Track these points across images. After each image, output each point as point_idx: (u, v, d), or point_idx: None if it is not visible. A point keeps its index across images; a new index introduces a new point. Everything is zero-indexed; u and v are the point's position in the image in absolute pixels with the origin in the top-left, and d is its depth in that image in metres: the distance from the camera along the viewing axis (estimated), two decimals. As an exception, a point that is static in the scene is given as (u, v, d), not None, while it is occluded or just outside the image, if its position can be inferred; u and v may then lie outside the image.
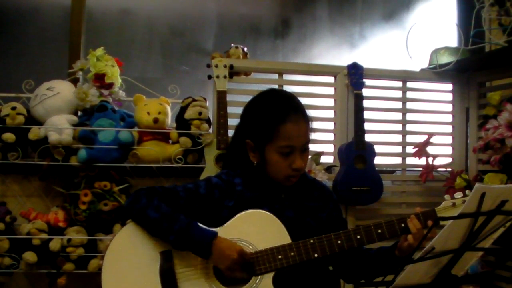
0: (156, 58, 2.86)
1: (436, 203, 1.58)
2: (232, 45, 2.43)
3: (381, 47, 3.12)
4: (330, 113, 2.50)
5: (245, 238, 1.50)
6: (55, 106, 2.14)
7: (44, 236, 2.05)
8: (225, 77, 2.26)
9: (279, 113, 1.51)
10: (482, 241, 1.29)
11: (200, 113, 2.21)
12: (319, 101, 2.51)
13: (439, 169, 2.48)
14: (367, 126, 2.40)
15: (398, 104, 2.59)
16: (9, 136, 2.07)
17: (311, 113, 1.60)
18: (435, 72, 2.55)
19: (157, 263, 1.47)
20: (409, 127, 2.60)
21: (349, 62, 2.44)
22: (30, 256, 2.02)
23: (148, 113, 2.18)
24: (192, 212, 1.52)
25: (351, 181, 2.32)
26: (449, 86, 2.65)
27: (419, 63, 2.58)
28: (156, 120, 2.17)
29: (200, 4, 2.93)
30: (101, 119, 2.14)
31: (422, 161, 2.46)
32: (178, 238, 1.43)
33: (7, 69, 2.63)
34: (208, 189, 1.57)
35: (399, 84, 2.59)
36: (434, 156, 2.45)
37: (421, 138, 2.46)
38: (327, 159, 2.46)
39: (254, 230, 1.50)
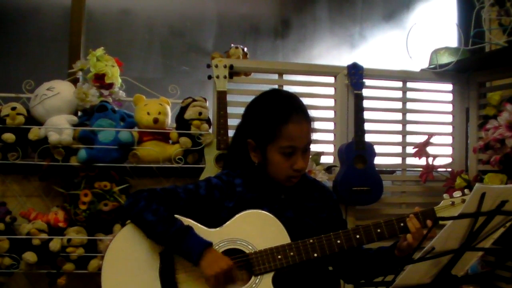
0: (156, 58, 2.86)
1: (436, 203, 1.57)
2: (232, 45, 2.43)
3: (381, 47, 3.12)
4: (330, 113, 2.50)
5: (245, 238, 1.50)
6: (55, 106, 2.14)
7: (44, 236, 2.05)
8: (225, 77, 2.26)
9: (281, 113, 1.51)
10: (482, 241, 1.29)
11: (200, 113, 2.21)
12: (319, 101, 2.51)
13: (439, 169, 2.48)
14: (367, 126, 2.40)
15: (398, 104, 2.59)
16: (9, 136, 2.07)
17: (311, 113, 1.60)
18: (435, 72, 2.55)
19: (156, 263, 1.47)
20: (409, 127, 2.60)
21: (349, 62, 2.44)
22: (30, 256, 2.02)
23: (148, 113, 2.18)
24: (192, 212, 1.53)
25: (351, 181, 2.32)
26: (449, 86, 2.65)
27: (419, 63, 2.58)
28: (156, 120, 2.17)
29: (200, 4, 2.93)
30: (101, 119, 2.14)
31: (422, 161, 2.46)
32: (172, 239, 1.43)
33: (7, 69, 2.63)
34: (208, 190, 1.57)
35: (399, 84, 2.59)
36: (434, 156, 2.45)
37: (421, 138, 2.46)
38: (327, 159, 2.46)
39: (254, 230, 1.50)
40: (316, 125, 1.62)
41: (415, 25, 2.54)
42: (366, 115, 2.42)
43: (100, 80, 2.19)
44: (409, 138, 2.58)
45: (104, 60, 2.20)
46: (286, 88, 2.44)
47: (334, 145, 2.47)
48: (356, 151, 2.34)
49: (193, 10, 2.91)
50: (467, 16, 2.79)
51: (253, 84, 2.44)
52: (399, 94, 2.60)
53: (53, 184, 2.23)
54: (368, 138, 2.39)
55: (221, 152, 2.18)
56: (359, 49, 3.13)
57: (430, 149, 2.45)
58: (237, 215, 1.51)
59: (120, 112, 2.22)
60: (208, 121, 2.25)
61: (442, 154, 2.59)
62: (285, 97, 1.59)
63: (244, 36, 2.97)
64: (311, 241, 1.49)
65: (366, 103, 2.43)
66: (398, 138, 2.58)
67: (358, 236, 1.51)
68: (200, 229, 1.49)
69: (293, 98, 1.59)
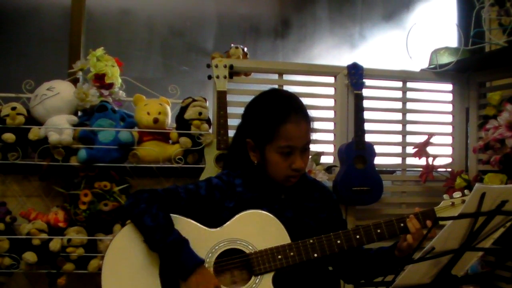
0: (156, 58, 2.86)
1: (436, 203, 1.58)
2: (232, 45, 2.42)
3: (381, 47, 3.12)
4: (330, 113, 2.50)
5: (245, 238, 1.50)
6: (55, 106, 2.14)
7: (44, 236, 2.05)
8: (225, 77, 2.26)
9: (280, 113, 1.51)
10: (482, 241, 1.29)
11: (200, 113, 2.21)
12: (319, 101, 2.51)
13: (439, 169, 2.48)
14: (367, 126, 2.40)
15: (398, 104, 2.59)
16: (9, 136, 2.07)
17: (311, 113, 1.60)
18: (435, 72, 2.55)
19: (157, 263, 1.47)
20: (409, 127, 2.60)
21: (349, 62, 2.44)
22: (30, 256, 2.02)
23: (148, 113, 2.18)
24: (193, 212, 1.53)
25: (351, 181, 2.32)
26: (449, 86, 2.65)
27: (419, 63, 2.58)
28: (156, 120, 2.17)
29: (200, 4, 2.93)
30: (101, 119, 2.14)
31: (422, 161, 2.46)
32: (167, 249, 1.42)
33: (7, 69, 2.63)
34: (208, 190, 1.57)
35: (399, 84, 2.59)
36: (434, 156, 2.45)
37: (421, 138, 2.46)
38: (327, 159, 2.46)
39: (254, 230, 1.50)
40: (316, 125, 1.62)
41: (415, 25, 2.54)
42: (366, 115, 2.42)
43: (100, 80, 2.19)
44: (409, 138, 2.58)
45: (104, 60, 2.20)
46: (286, 88, 2.43)
47: (334, 145, 2.47)
48: (356, 151, 2.34)
49: (193, 10, 2.91)
50: (467, 16, 2.79)
51: (253, 84, 2.44)
52: (399, 94, 2.59)
53: (53, 184, 2.23)
54: (368, 138, 2.39)
55: (221, 152, 2.18)
56: (359, 49, 3.13)
57: (430, 149, 2.45)
58: (237, 215, 1.51)
59: (120, 112, 2.22)
60: (208, 121, 2.25)
61: (442, 154, 2.59)
62: (284, 97, 1.59)
63: (244, 36, 2.97)
64: (311, 241, 1.49)
65: (366, 103, 2.43)
66: (398, 138, 2.58)
67: (358, 237, 1.51)
68: (201, 230, 1.49)
69: (292, 98, 1.59)
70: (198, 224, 1.50)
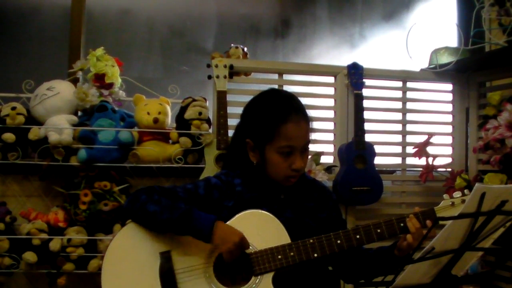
0: (156, 58, 2.86)
1: (436, 203, 1.57)
2: (232, 45, 2.43)
3: (381, 47, 3.12)
4: (330, 113, 2.50)
5: (245, 238, 1.50)
6: (55, 106, 2.14)
7: (44, 236, 2.05)
8: (225, 77, 2.26)
9: (280, 113, 1.51)
10: (482, 241, 1.29)
11: (200, 113, 2.21)
12: (319, 101, 2.51)
13: (439, 169, 2.48)
14: (367, 126, 2.40)
15: (398, 104, 2.59)
16: (9, 136, 2.07)
17: (311, 113, 1.60)
18: (435, 72, 2.55)
19: (157, 263, 1.47)
20: (409, 127, 2.60)
21: (349, 62, 2.44)
22: (30, 256, 2.02)
23: (148, 113, 2.18)
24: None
25: (351, 181, 2.32)
26: (449, 86, 2.65)
27: (419, 63, 2.58)
28: (156, 120, 2.17)
29: (200, 4, 2.93)
30: (101, 119, 2.14)
31: (422, 161, 2.46)
32: (179, 222, 1.42)
33: (7, 69, 2.63)
34: (207, 190, 1.57)
35: (399, 84, 2.59)
36: (434, 156, 2.45)
37: (421, 138, 2.46)
38: (327, 159, 2.46)
39: (254, 230, 1.50)
40: (316, 125, 1.62)
41: (415, 25, 2.54)
42: (366, 115, 2.42)
43: (100, 80, 2.19)
44: (409, 138, 2.58)
45: (104, 60, 2.20)
46: (286, 88, 2.43)
47: (334, 145, 2.47)
48: (356, 151, 2.34)
49: (193, 10, 2.91)
50: (467, 16, 2.79)
51: (253, 84, 2.44)
52: (399, 94, 2.59)
53: (53, 184, 2.23)
54: (368, 138, 2.39)
55: (221, 152, 2.18)
56: (359, 49, 3.13)
57: (430, 149, 2.45)
58: (237, 215, 1.51)
59: (120, 112, 2.22)
60: (208, 121, 2.25)
61: (442, 154, 2.60)
62: (284, 97, 1.59)
63: (244, 36, 2.97)
64: (311, 241, 1.49)
65: (366, 103, 2.43)
66: (398, 138, 2.58)
67: (358, 236, 1.51)
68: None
69: (292, 98, 1.59)
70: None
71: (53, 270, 2.08)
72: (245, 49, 2.45)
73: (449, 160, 2.63)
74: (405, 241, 1.48)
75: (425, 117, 2.64)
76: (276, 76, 2.46)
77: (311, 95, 2.49)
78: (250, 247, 1.48)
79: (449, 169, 2.56)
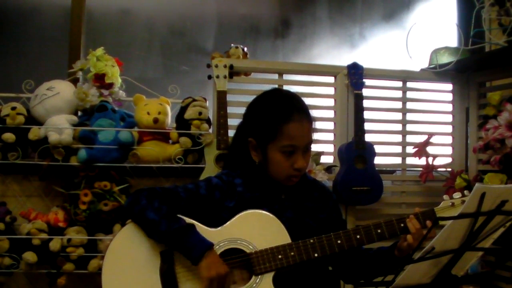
0: (156, 58, 2.86)
1: (436, 203, 1.58)
2: (232, 45, 2.43)
3: (381, 47, 3.12)
4: (330, 113, 2.50)
5: (245, 238, 1.50)
6: (55, 106, 2.14)
7: (44, 236, 2.05)
8: (225, 77, 2.26)
9: (283, 113, 1.51)
10: (482, 241, 1.29)
11: (200, 113, 2.21)
12: (319, 101, 2.51)
13: (439, 169, 2.48)
14: (367, 126, 2.40)
15: (398, 104, 2.59)
16: (9, 136, 2.07)
17: (312, 113, 1.60)
18: (435, 72, 2.55)
19: (157, 263, 1.47)
20: (409, 127, 2.60)
21: (349, 62, 2.44)
22: (30, 256, 2.02)
23: (148, 113, 2.18)
24: (192, 212, 1.52)
25: (351, 181, 2.32)
26: (449, 86, 2.65)
27: (419, 63, 2.58)
28: (156, 120, 2.17)
29: (200, 4, 2.93)
30: (101, 119, 2.14)
31: (422, 161, 2.46)
32: (174, 236, 1.42)
33: (7, 69, 2.63)
34: (208, 190, 1.56)
35: (399, 84, 2.59)
36: (434, 156, 2.45)
37: (421, 138, 2.46)
38: (327, 159, 2.46)
39: (254, 230, 1.50)
40: (316, 125, 1.62)
41: (415, 25, 2.54)
42: (366, 115, 2.42)
43: (100, 80, 2.19)
44: (409, 138, 2.58)
45: (104, 60, 2.20)
46: (286, 88, 2.43)
47: (334, 145, 2.47)
48: (356, 151, 2.34)
49: (193, 10, 2.91)
50: (467, 16, 2.79)
51: (253, 84, 2.44)
52: (399, 94, 2.60)
53: (53, 184, 2.23)
54: (368, 138, 2.39)
55: (221, 152, 2.18)
56: (359, 49, 3.13)
57: (430, 149, 2.45)
58: (237, 215, 1.51)
59: (120, 112, 2.22)
60: (208, 121, 2.25)
61: (442, 154, 2.59)
62: (287, 96, 1.59)
63: (244, 36, 2.97)
64: (311, 241, 1.49)
65: (366, 103, 2.43)
66: (398, 138, 2.58)
67: (358, 236, 1.51)
68: (201, 229, 1.49)
69: (295, 98, 1.59)
70: (198, 224, 1.50)
71: (53, 270, 2.08)
72: (245, 49, 2.45)
73: (449, 160, 2.63)
74: (405, 242, 1.49)
75: (425, 117, 2.64)
76: (276, 76, 2.46)
77: (311, 95, 2.49)
78: (251, 247, 1.48)
79: (449, 169, 2.56)
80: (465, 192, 1.55)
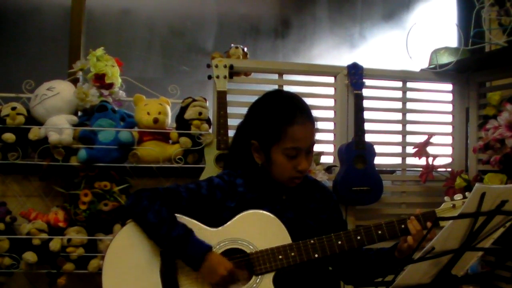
0: (156, 58, 2.86)
1: (436, 203, 1.58)
2: (232, 45, 2.43)
3: (381, 47, 3.12)
4: (330, 113, 2.50)
5: (246, 238, 1.50)
6: (55, 106, 2.14)
7: (44, 236, 2.05)
8: (225, 77, 2.26)
9: (286, 115, 1.51)
10: (482, 241, 1.29)
11: (200, 113, 2.21)
12: (319, 101, 2.51)
13: (439, 169, 2.48)
14: (367, 126, 2.40)
15: (398, 104, 2.59)
16: (9, 136, 2.07)
17: (313, 113, 1.60)
18: (435, 72, 2.55)
19: (157, 262, 1.47)
20: (409, 127, 2.60)
21: (349, 62, 2.44)
22: (30, 256, 2.02)
23: (148, 113, 2.18)
24: (194, 212, 1.53)
25: (351, 181, 2.32)
26: (449, 86, 2.65)
27: (419, 63, 2.58)
28: (156, 120, 2.17)
29: (200, 4, 2.93)
30: (101, 119, 2.14)
31: (422, 161, 2.46)
32: (173, 244, 1.43)
33: (7, 69, 2.63)
34: (210, 190, 1.56)
35: (399, 84, 2.59)
36: (434, 156, 2.45)
37: (421, 138, 2.46)
38: (327, 159, 2.46)
39: (255, 230, 1.50)
40: (317, 125, 1.62)
41: (415, 25, 2.53)
42: (366, 115, 2.42)
43: (100, 80, 2.19)
44: (409, 138, 2.58)
45: (104, 60, 2.20)
46: (286, 88, 2.44)
47: (334, 145, 2.47)
48: (356, 151, 2.34)
49: (193, 10, 2.91)
50: (467, 16, 2.79)
51: (253, 84, 2.44)
52: (399, 94, 2.59)
53: (53, 184, 2.23)
54: (368, 138, 2.39)
55: (221, 152, 2.18)
56: (359, 49, 3.13)
57: (430, 149, 2.45)
58: (238, 215, 1.52)
59: (120, 112, 2.22)
60: (208, 121, 2.25)
61: (442, 154, 2.59)
62: (289, 98, 1.59)
63: (244, 36, 2.97)
64: (312, 241, 1.49)
65: (366, 103, 2.43)
66: (398, 138, 2.58)
67: (359, 237, 1.51)
68: (202, 229, 1.49)
69: (297, 99, 1.59)
70: (199, 224, 1.50)
71: (53, 270, 2.08)
72: (245, 49, 2.45)
73: (449, 160, 2.63)
74: (405, 243, 1.49)
75: (425, 117, 2.64)
76: (276, 76, 2.46)
77: (311, 95, 2.49)
78: (251, 247, 1.48)
79: (449, 169, 2.56)
80: (466, 193, 1.55)
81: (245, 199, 1.57)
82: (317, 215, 1.63)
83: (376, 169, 2.38)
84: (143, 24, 2.84)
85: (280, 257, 1.47)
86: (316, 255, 1.49)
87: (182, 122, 2.24)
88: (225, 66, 2.26)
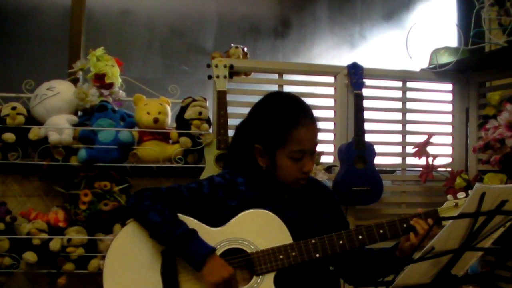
0: (156, 58, 2.86)
1: (436, 203, 1.57)
2: (232, 45, 2.43)
3: (381, 47, 3.12)
4: (330, 113, 2.50)
5: (247, 237, 1.50)
6: (55, 106, 2.14)
7: (44, 236, 2.05)
8: (225, 77, 2.26)
9: (290, 118, 1.51)
10: (482, 241, 1.29)
11: (200, 113, 2.21)
12: (319, 101, 2.51)
13: (439, 169, 2.48)
14: (367, 126, 2.40)
15: (398, 104, 2.59)
16: (9, 136, 2.07)
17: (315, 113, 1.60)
18: (435, 72, 2.55)
19: (158, 262, 1.47)
20: (409, 127, 2.60)
21: (349, 62, 2.44)
22: (30, 256, 2.02)
23: (148, 113, 2.18)
24: (195, 211, 1.52)
25: (351, 181, 2.32)
26: (449, 86, 2.65)
27: (419, 63, 2.58)
28: (156, 120, 2.17)
29: (200, 4, 2.93)
30: (101, 119, 2.14)
31: (422, 161, 2.46)
32: (176, 243, 1.42)
33: (7, 69, 2.63)
34: (211, 189, 1.56)
35: (399, 84, 2.59)
36: (434, 156, 2.45)
37: (421, 138, 2.46)
38: (327, 159, 2.46)
39: (256, 229, 1.50)
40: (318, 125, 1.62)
41: (415, 25, 2.54)
42: (366, 115, 2.42)
43: (100, 80, 2.19)
44: (409, 138, 2.58)
45: (104, 60, 2.20)
46: (286, 88, 2.44)
47: (334, 145, 2.47)
48: (356, 151, 2.34)
49: (193, 10, 2.92)
50: (467, 16, 2.79)
51: (253, 84, 2.44)
52: (399, 94, 2.60)
53: (53, 184, 2.23)
54: (368, 138, 2.39)
55: (221, 152, 2.18)
56: (359, 49, 3.13)
57: (430, 149, 2.45)
58: (239, 214, 1.51)
59: (120, 112, 2.22)
60: (208, 121, 2.25)
61: (442, 154, 2.60)
62: (291, 101, 1.58)
63: (244, 36, 2.97)
64: (313, 241, 1.49)
65: (366, 103, 2.43)
66: (398, 138, 2.59)
67: (360, 237, 1.51)
68: (203, 228, 1.49)
69: (299, 101, 1.58)
70: (200, 223, 1.50)
71: (53, 270, 2.08)
72: (245, 49, 2.45)
73: (449, 160, 2.63)
74: (407, 242, 1.48)
75: (425, 117, 2.64)
76: (276, 76, 2.46)
77: (311, 95, 2.49)
78: (252, 247, 1.48)
79: (449, 169, 2.56)
80: (470, 192, 1.55)
81: (246, 198, 1.57)
82: (319, 215, 1.63)
83: (376, 169, 2.38)
84: (143, 24, 2.84)
85: (281, 257, 1.47)
86: (317, 255, 1.49)
87: (182, 122, 2.24)
88: (225, 66, 2.26)
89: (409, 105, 2.60)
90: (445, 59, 2.53)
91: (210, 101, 2.33)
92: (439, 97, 2.68)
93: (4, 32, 2.65)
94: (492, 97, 2.38)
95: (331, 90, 2.51)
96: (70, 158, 2.12)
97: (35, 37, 2.68)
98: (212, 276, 1.40)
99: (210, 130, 2.25)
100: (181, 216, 1.49)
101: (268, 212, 1.51)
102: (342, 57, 3.05)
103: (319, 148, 2.41)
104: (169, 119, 2.27)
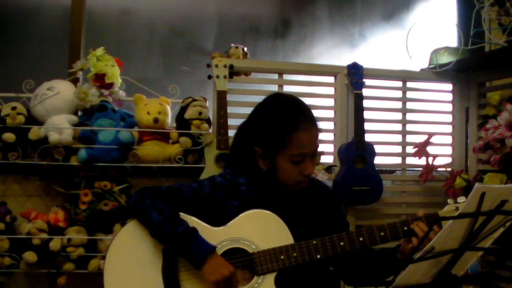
0: (156, 58, 2.86)
1: (436, 203, 1.58)
2: (232, 45, 2.43)
3: (381, 47, 3.12)
4: (330, 113, 2.50)
5: (248, 237, 1.50)
6: (55, 106, 2.14)
7: (44, 236, 2.05)
8: (225, 77, 2.25)
9: (290, 122, 1.51)
10: (482, 241, 1.29)
11: (200, 113, 2.21)
12: (319, 101, 2.51)
13: (439, 169, 2.48)
14: (367, 126, 2.40)
15: (398, 104, 2.59)
16: (9, 136, 2.07)
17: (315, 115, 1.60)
18: (435, 72, 2.55)
19: (159, 261, 1.47)
20: (409, 127, 2.60)
21: (349, 62, 2.44)
22: (30, 256, 2.02)
23: (148, 113, 2.18)
24: (196, 211, 1.52)
25: (351, 181, 2.32)
26: (449, 86, 2.65)
27: (419, 63, 2.58)
28: (156, 120, 2.17)
29: (200, 4, 2.93)
30: (101, 119, 2.14)
31: (422, 161, 2.46)
32: (177, 241, 1.42)
33: (7, 69, 2.63)
34: (212, 189, 1.56)
35: (399, 84, 2.59)
36: (434, 156, 2.45)
37: (421, 138, 2.46)
38: (327, 159, 2.46)
39: (257, 230, 1.50)
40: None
41: (415, 25, 2.53)
42: (366, 115, 2.42)
43: (100, 80, 2.19)
44: (409, 138, 2.58)
45: (104, 60, 2.20)
46: (286, 88, 2.44)
47: (334, 145, 2.47)
48: (356, 151, 2.34)
49: (193, 10, 2.91)
50: (467, 16, 2.79)
51: (253, 84, 2.44)
52: (399, 94, 2.59)
53: (53, 184, 2.23)
54: (368, 138, 2.39)
55: (221, 152, 2.18)
56: (359, 49, 3.13)
57: (430, 149, 2.45)
58: (241, 214, 1.51)
59: (120, 112, 2.22)
60: (208, 121, 2.25)
61: (442, 154, 2.59)
62: (292, 104, 1.58)
63: (244, 36, 2.97)
64: (314, 242, 1.49)
65: (366, 103, 2.43)
66: (398, 138, 2.58)
67: (361, 239, 1.51)
68: (204, 228, 1.49)
69: (299, 104, 1.58)
70: (202, 222, 1.50)
71: (53, 270, 2.08)
72: (245, 49, 2.45)
73: (449, 160, 2.63)
74: (409, 244, 1.48)
75: (425, 117, 2.64)
76: (276, 76, 2.46)
77: (311, 95, 2.49)
78: (253, 247, 1.48)
79: (449, 169, 2.56)
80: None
81: (247, 198, 1.57)
82: (320, 216, 1.63)
83: (376, 169, 2.38)
84: (143, 24, 2.84)
85: (282, 257, 1.47)
86: (318, 256, 1.49)
87: (182, 122, 2.24)
88: (225, 66, 2.26)
89: (409, 105, 2.60)
90: (445, 59, 2.52)
91: (210, 101, 2.33)
92: (439, 97, 2.68)
93: (4, 32, 2.65)
94: (492, 97, 2.38)
95: (331, 90, 2.51)
96: (70, 158, 2.12)
97: (35, 37, 2.68)
98: (213, 274, 1.40)
99: (210, 130, 2.25)
100: (182, 215, 1.49)
101: (270, 212, 1.51)
102: (342, 57, 3.05)
103: (319, 148, 2.42)
104: (169, 119, 2.27)
